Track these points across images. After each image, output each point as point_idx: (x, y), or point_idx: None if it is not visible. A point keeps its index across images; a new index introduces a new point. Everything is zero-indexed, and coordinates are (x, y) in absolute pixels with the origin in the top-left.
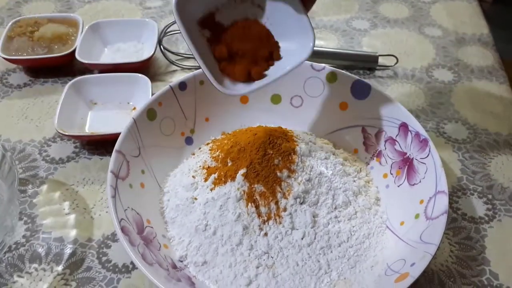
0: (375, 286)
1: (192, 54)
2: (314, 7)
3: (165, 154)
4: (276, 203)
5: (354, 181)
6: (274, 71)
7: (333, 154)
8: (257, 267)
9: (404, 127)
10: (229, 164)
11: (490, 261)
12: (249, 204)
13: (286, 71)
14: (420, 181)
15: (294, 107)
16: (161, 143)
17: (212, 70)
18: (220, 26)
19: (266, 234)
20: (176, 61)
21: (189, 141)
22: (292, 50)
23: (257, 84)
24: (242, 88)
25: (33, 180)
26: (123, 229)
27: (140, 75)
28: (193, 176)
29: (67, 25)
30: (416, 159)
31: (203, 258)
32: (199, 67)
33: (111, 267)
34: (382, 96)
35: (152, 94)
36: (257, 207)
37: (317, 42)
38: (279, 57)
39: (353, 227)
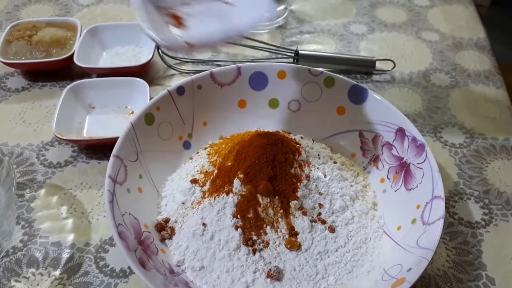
0: None
1: (190, 59)
2: (312, 12)
3: (163, 159)
4: (274, 208)
5: (351, 186)
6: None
7: (331, 159)
8: (254, 272)
9: (401, 132)
10: (227, 169)
11: (486, 265)
12: (247, 209)
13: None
14: (417, 186)
15: (292, 111)
16: (159, 148)
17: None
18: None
19: (263, 240)
20: (174, 65)
21: (187, 145)
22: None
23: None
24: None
25: (31, 184)
26: (120, 234)
27: (138, 79)
28: (191, 181)
29: (66, 29)
30: (413, 164)
31: (200, 263)
32: (197, 72)
33: (108, 272)
34: (379, 101)
35: (150, 99)
36: (255, 212)
37: (315, 46)
38: None
39: (350, 232)
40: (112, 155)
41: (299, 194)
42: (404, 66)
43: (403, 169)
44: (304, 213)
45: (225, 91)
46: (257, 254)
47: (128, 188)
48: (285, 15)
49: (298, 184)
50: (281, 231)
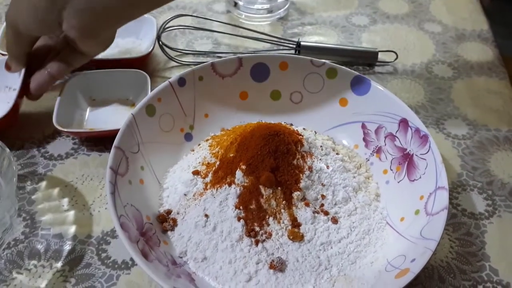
0: (375, 282)
1: (191, 50)
2: (314, 3)
3: (164, 150)
4: (276, 199)
5: (354, 177)
6: None
7: (333, 150)
8: (257, 263)
9: (404, 123)
10: (229, 160)
11: (490, 256)
12: (249, 200)
13: None
14: (420, 177)
15: (294, 103)
16: (161, 139)
17: None
18: None
19: (266, 231)
20: (175, 57)
21: (188, 137)
22: None
23: None
24: None
25: (32, 176)
26: (122, 226)
27: (139, 71)
28: (193, 172)
29: None
30: (416, 155)
31: (202, 254)
32: (198, 63)
33: (110, 264)
34: (382, 92)
35: (151, 90)
36: (257, 203)
37: (316, 38)
38: None
39: (353, 223)
40: (113, 146)
41: (301, 185)
42: (407, 57)
43: (406, 160)
44: (307, 204)
45: (227, 83)
46: (260, 245)
47: (130, 179)
48: (286, 6)
49: (301, 175)
50: (283, 222)
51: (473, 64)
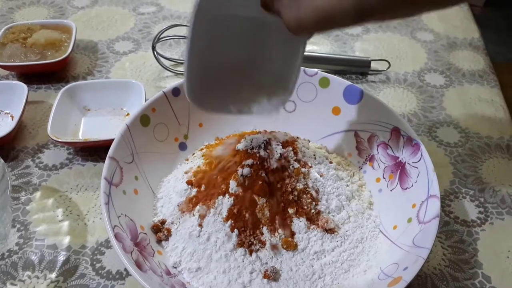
0: None
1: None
2: None
3: (158, 160)
4: (270, 208)
5: (347, 185)
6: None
7: (326, 159)
8: (251, 273)
9: (396, 131)
10: (223, 170)
11: (482, 264)
12: (243, 210)
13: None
14: (412, 185)
15: (287, 112)
16: (155, 149)
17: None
18: None
19: (260, 240)
20: (170, 67)
21: (182, 146)
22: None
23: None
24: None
25: (26, 187)
26: (116, 236)
27: (133, 81)
28: (187, 182)
29: (60, 31)
30: (409, 163)
31: (197, 264)
32: None
33: (105, 274)
34: (374, 101)
35: (146, 100)
36: (251, 213)
37: (310, 47)
38: None
39: (347, 231)
40: (107, 156)
41: (295, 194)
42: (399, 66)
43: (399, 168)
44: (301, 213)
45: None
46: (254, 254)
47: (124, 189)
48: None
49: (294, 184)
50: (277, 231)
51: (465, 72)
